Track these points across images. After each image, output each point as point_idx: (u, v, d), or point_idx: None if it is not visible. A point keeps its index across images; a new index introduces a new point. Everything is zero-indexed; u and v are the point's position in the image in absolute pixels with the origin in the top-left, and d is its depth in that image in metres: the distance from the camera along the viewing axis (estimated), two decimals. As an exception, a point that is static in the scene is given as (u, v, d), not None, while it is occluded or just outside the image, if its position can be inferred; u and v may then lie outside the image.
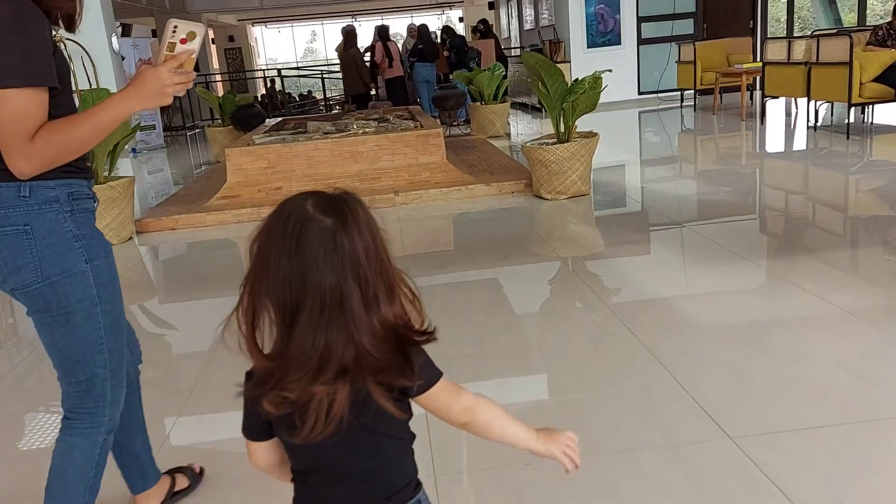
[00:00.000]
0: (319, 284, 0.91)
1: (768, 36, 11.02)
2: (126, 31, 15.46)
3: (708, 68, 9.21)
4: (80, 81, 9.72)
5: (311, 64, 24.26)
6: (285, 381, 0.93)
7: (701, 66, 9.19)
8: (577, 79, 5.04)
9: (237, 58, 20.06)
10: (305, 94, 22.88)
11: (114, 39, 10.40)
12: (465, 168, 6.16)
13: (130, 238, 5.03)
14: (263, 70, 20.48)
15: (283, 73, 16.51)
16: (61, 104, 1.39)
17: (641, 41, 11.28)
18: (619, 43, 11.21)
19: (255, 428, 1.04)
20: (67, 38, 9.45)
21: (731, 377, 2.35)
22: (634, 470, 1.89)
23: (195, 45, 1.41)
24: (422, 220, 5.07)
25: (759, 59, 8.55)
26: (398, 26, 23.91)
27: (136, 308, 3.87)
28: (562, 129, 5.11)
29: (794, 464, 1.85)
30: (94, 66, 9.80)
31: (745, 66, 8.23)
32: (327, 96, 16.34)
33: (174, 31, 1.40)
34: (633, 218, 4.73)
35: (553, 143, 5.13)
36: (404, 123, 6.53)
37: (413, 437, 1.07)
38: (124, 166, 9.58)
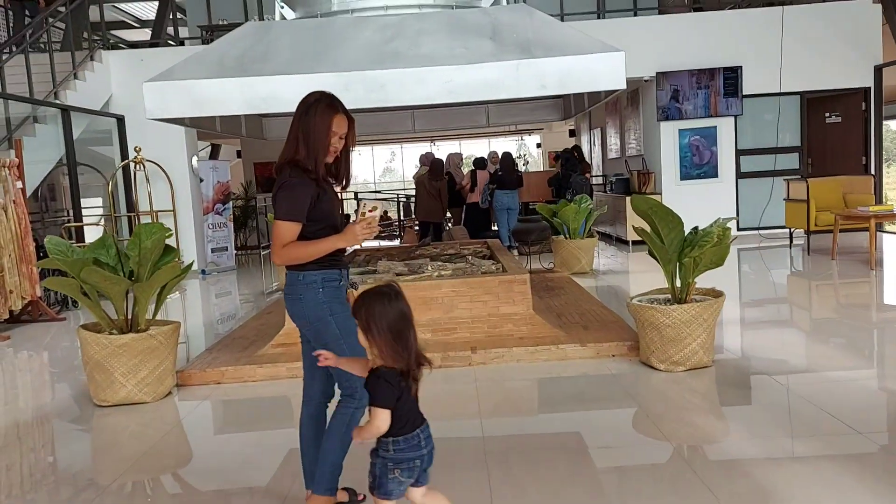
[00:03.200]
0: (408, 323, 2.11)
1: (884, 174, 10.08)
2: (214, 153, 15.83)
3: (823, 207, 8.30)
4: (159, 201, 9.60)
5: (390, 184, 24.49)
6: (415, 372, 2.11)
7: (815, 205, 8.29)
8: (696, 228, 4.26)
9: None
10: (382, 214, 22.95)
11: (194, 160, 10.36)
12: (553, 319, 5.36)
13: (169, 394, 4.38)
14: (340, 192, 20.65)
15: (360, 195, 16.37)
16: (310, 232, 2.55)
17: (741, 174, 10.50)
18: (717, 175, 10.46)
19: (393, 400, 2.06)
20: (147, 160, 9.42)
21: None
22: None
23: (376, 214, 2.52)
24: (503, 388, 4.24)
25: (883, 201, 7.62)
26: (474, 151, 24.01)
27: (170, 480, 3.17)
28: (678, 285, 4.28)
29: None
30: (171, 186, 9.69)
31: (872, 209, 7.29)
32: (402, 218, 16.07)
33: (364, 206, 2.53)
34: (775, 408, 3.77)
35: (667, 303, 4.30)
36: (484, 264, 5.84)
37: None
38: (192, 287, 9.24)
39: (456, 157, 11.26)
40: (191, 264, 4.70)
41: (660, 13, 11.53)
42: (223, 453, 3.55)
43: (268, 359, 4.73)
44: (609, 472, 3.03)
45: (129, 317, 4.28)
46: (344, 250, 2.65)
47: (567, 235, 8.24)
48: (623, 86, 4.86)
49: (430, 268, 5.61)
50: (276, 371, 4.60)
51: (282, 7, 5.47)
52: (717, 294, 4.33)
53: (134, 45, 12.38)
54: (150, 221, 4.68)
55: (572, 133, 17.22)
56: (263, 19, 10.24)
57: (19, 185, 6.79)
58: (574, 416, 3.75)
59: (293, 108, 4.95)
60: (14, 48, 8.92)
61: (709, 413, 3.73)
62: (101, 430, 3.98)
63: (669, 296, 4.40)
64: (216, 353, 5.03)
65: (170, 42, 15.38)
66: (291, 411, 4.21)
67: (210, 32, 11.79)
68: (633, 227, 4.35)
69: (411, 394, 2.10)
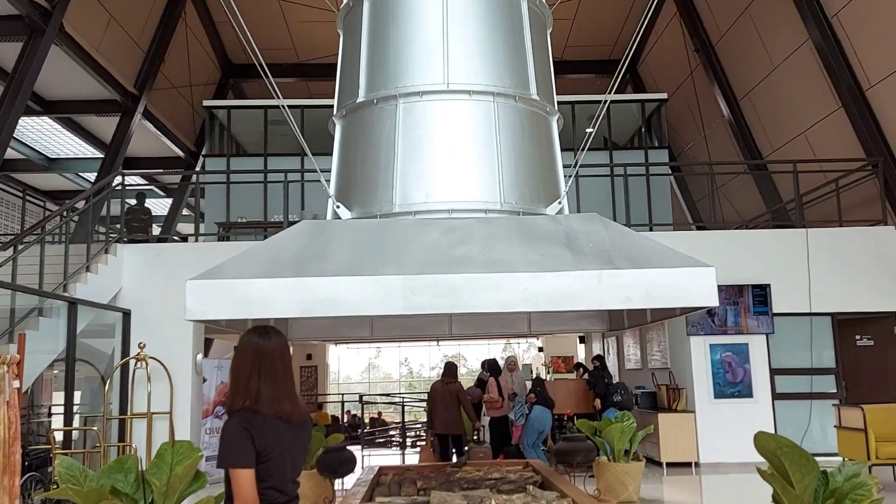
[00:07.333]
0: None
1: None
2: (206, 348, 15.11)
3: (883, 437, 7.69)
4: (157, 402, 8.79)
5: (375, 383, 23.62)
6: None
7: (874, 435, 7.68)
8: (826, 472, 3.63)
9: (311, 375, 19.56)
10: (375, 416, 21.77)
11: (199, 358, 9.70)
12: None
13: None
14: (342, 395, 19.89)
15: (365, 398, 15.50)
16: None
17: (776, 395, 9.96)
18: (751, 395, 9.90)
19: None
20: (150, 357, 8.75)
21: None
22: None
23: None
24: None
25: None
26: (473, 354, 23.49)
27: None
28: (814, 544, 3.56)
29: None
30: (171, 385, 8.94)
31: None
32: (405, 423, 15.09)
33: None
34: None
35: (803, 565, 3.54)
36: (550, 497, 5.05)
37: None
38: None
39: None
40: (221, 496, 3.90)
41: (674, 230, 11.68)
42: None
43: None
44: None
45: (144, 564, 3.43)
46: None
47: (610, 457, 7.47)
48: (716, 303, 4.46)
49: (493, 502, 4.81)
50: None
51: (337, 207, 5.18)
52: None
53: (139, 240, 12.28)
54: (170, 442, 3.97)
55: (582, 339, 16.85)
56: (289, 219, 10.13)
57: (16, 384, 6.06)
58: None
59: (353, 312, 4.50)
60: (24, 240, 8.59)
61: None
62: None
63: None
64: None
65: (174, 238, 15.33)
66: None
67: (227, 229, 11.68)
68: (757, 469, 3.70)
69: None
